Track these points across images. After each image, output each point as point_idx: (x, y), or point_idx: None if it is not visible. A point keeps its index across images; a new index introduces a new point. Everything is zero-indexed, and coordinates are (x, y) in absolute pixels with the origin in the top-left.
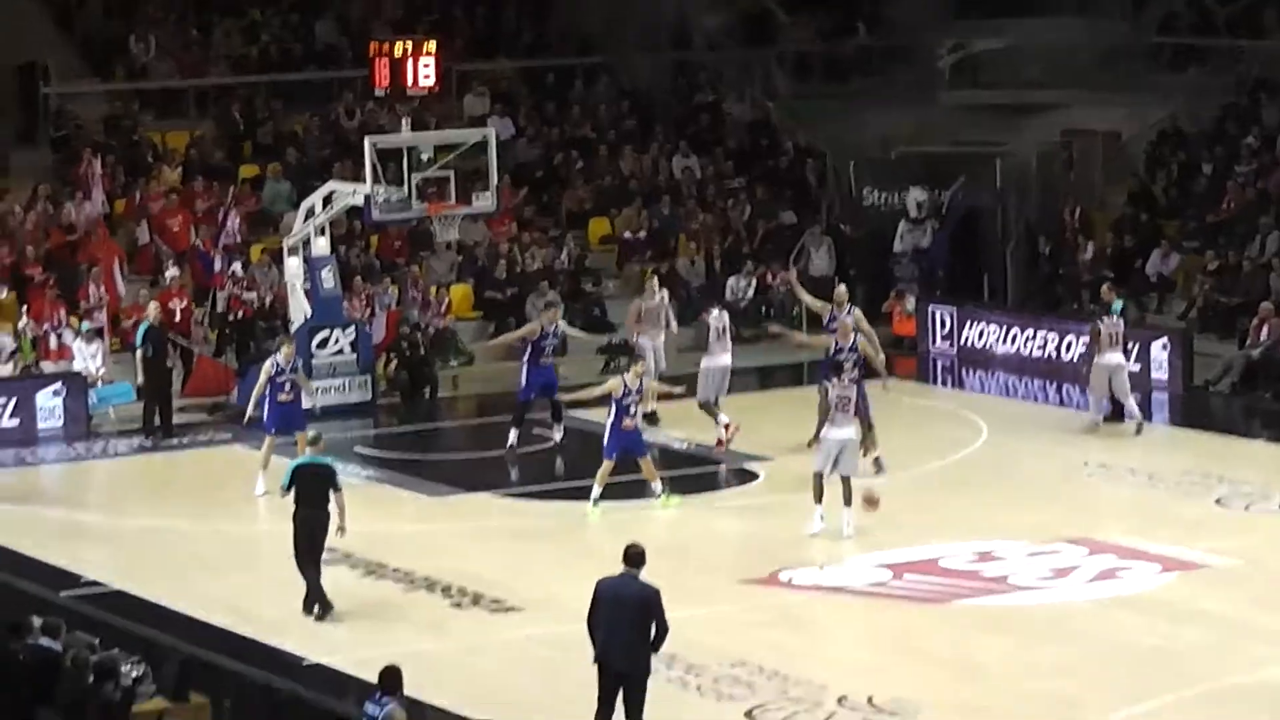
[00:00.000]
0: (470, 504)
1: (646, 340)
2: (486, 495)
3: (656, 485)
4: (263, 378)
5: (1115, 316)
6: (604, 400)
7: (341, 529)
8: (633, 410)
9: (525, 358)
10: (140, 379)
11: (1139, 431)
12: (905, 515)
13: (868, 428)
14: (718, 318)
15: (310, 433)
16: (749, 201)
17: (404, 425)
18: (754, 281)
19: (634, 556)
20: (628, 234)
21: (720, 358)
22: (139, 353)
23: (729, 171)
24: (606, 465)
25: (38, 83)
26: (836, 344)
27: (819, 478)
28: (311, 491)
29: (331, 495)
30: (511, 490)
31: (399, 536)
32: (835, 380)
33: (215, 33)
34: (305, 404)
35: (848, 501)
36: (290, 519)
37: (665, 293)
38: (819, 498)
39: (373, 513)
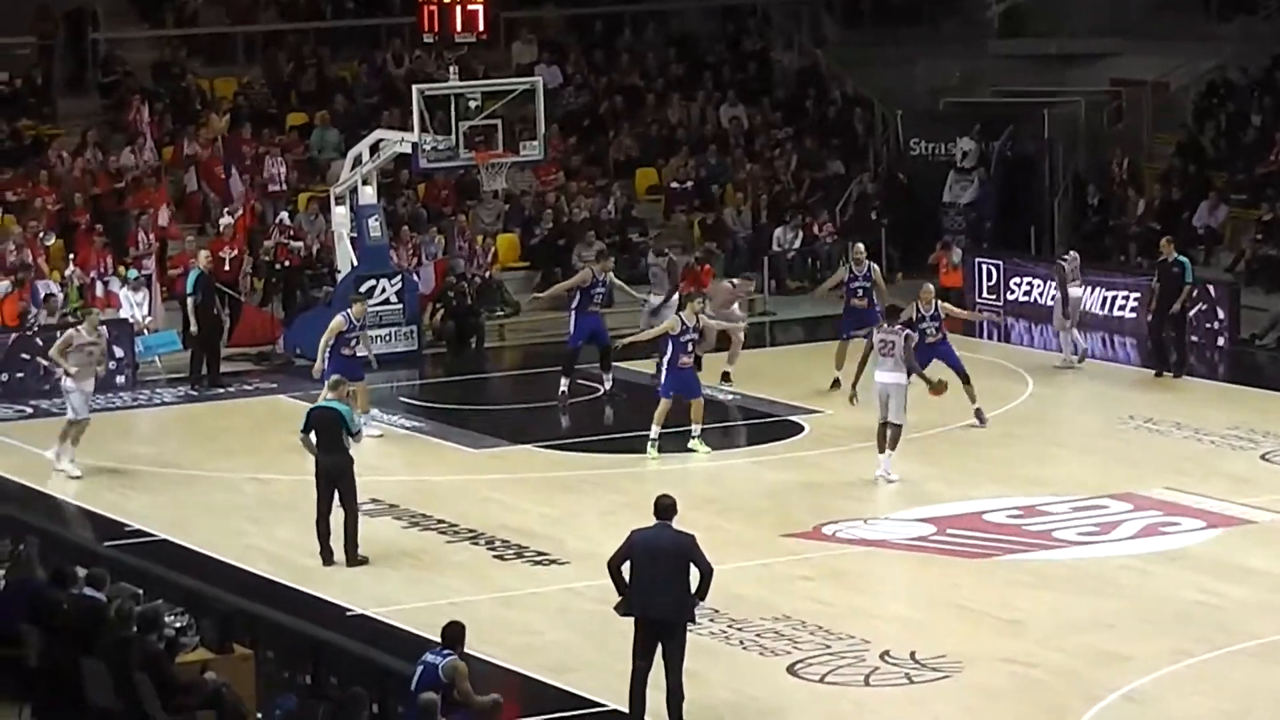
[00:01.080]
0: (515, 455)
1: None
2: (531, 447)
3: (696, 429)
4: (329, 334)
5: (1185, 275)
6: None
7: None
8: (690, 348)
9: (573, 306)
10: (193, 327)
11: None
12: (948, 469)
13: (965, 381)
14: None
15: (333, 377)
16: (796, 151)
17: (450, 376)
18: (800, 233)
19: (665, 508)
20: (674, 184)
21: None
22: (189, 300)
23: (776, 121)
24: (664, 404)
25: (86, 28)
26: (919, 311)
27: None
28: (326, 436)
29: (345, 438)
30: (557, 441)
31: (444, 487)
32: (882, 325)
33: None
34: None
35: (891, 445)
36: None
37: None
38: (882, 446)
39: (418, 463)
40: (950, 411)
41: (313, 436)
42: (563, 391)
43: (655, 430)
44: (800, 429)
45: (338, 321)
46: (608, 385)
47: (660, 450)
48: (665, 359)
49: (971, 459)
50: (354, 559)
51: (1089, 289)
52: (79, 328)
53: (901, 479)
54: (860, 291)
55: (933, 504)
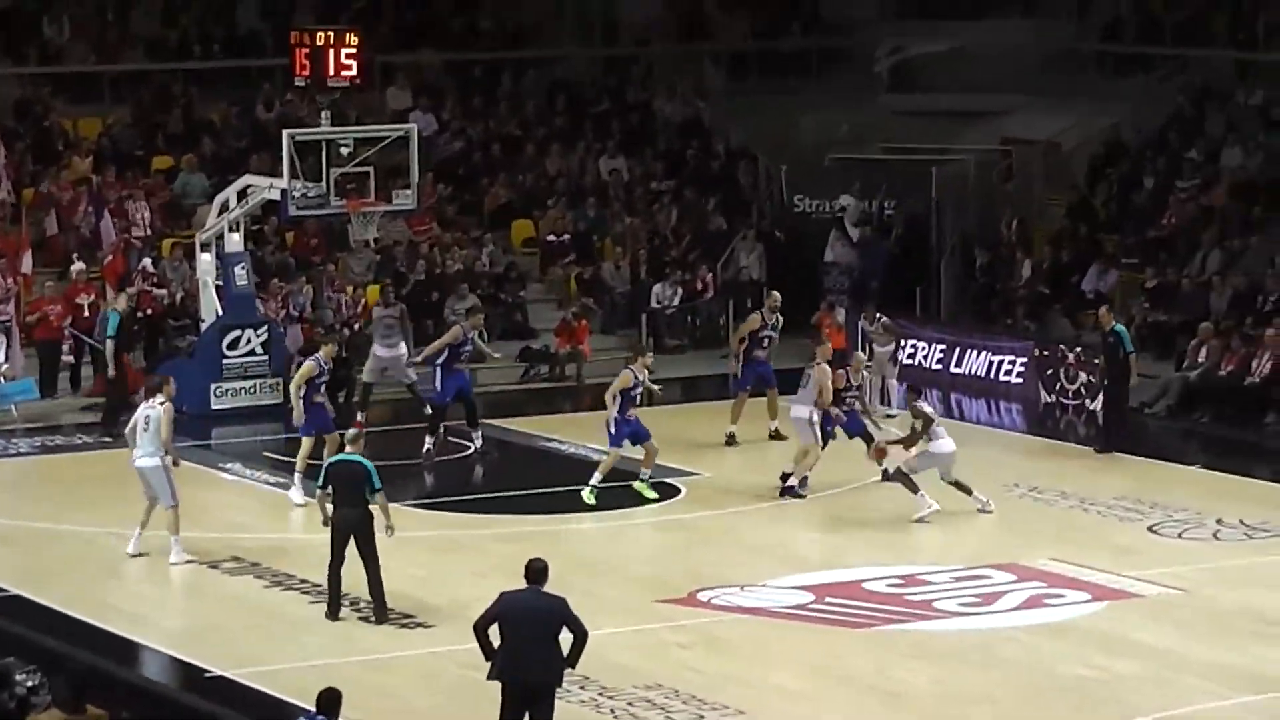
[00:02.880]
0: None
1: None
2: (401, 505)
3: (646, 472)
4: (300, 378)
5: (1123, 344)
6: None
7: (389, 528)
8: (638, 400)
9: (439, 362)
10: (111, 370)
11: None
12: (829, 535)
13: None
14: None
15: (350, 431)
16: (677, 205)
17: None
18: (680, 289)
19: (537, 571)
20: (551, 236)
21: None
22: (109, 344)
23: (658, 173)
24: (614, 453)
25: None
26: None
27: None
28: (346, 490)
29: (369, 494)
30: (427, 500)
31: (308, 546)
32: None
33: (132, 15)
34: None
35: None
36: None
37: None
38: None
39: (281, 521)
40: (828, 478)
41: (329, 491)
42: (428, 449)
43: (598, 476)
44: (677, 491)
45: (308, 366)
46: (478, 443)
47: (597, 499)
48: (613, 414)
49: (851, 525)
50: (383, 616)
51: (975, 352)
52: None
53: (780, 544)
54: (766, 342)
55: (811, 571)
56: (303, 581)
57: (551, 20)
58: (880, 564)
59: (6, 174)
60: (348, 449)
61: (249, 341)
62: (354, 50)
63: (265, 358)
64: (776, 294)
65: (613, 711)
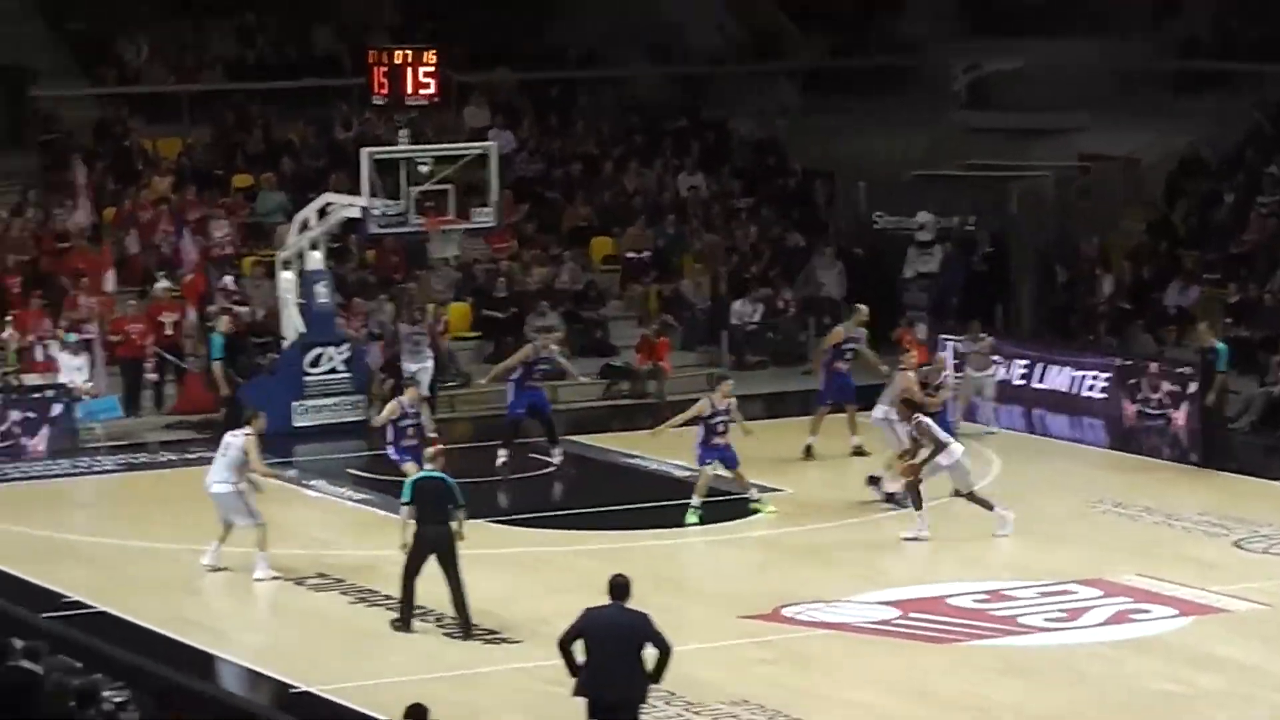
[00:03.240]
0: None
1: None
2: (483, 521)
3: (752, 491)
4: (385, 416)
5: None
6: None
7: (460, 535)
8: (720, 429)
9: (514, 378)
10: (223, 390)
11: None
12: (913, 551)
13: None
14: None
15: (429, 449)
16: (755, 222)
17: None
18: (762, 305)
19: (618, 587)
20: (631, 253)
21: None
22: (217, 365)
23: (735, 191)
24: (705, 472)
25: (25, 84)
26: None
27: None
28: (430, 506)
29: (453, 511)
30: (508, 516)
31: (391, 563)
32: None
33: (210, 36)
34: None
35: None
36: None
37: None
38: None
39: (365, 538)
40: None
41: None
42: (502, 463)
43: (696, 499)
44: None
45: (391, 408)
46: (557, 460)
47: (702, 520)
48: (698, 440)
49: (936, 541)
50: (469, 631)
51: (1057, 368)
52: None
53: (864, 560)
54: (849, 355)
55: (896, 587)
56: (387, 598)
57: (624, 40)
58: (965, 579)
59: (87, 194)
60: (427, 466)
61: (330, 359)
62: (432, 69)
63: (347, 375)
64: (863, 307)
65: None
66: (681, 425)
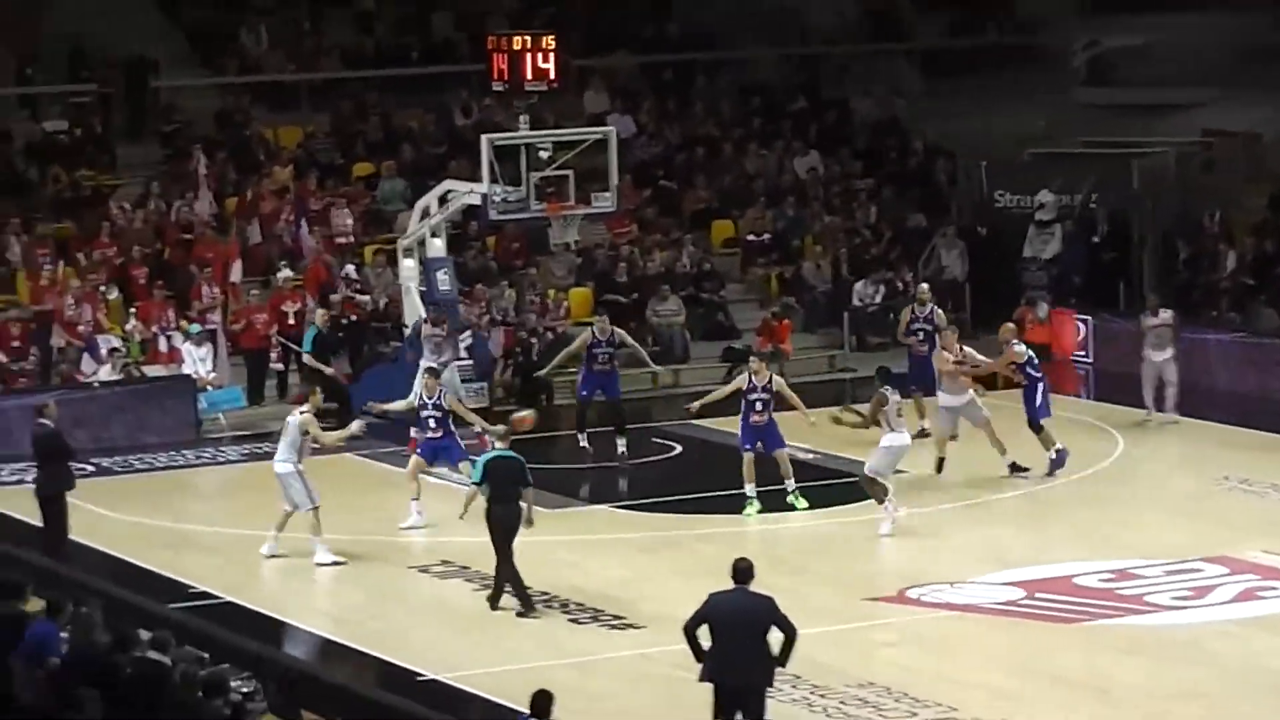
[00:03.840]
0: (589, 516)
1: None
2: (606, 507)
3: (790, 483)
4: (403, 405)
5: None
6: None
7: (529, 520)
8: (760, 407)
9: (583, 365)
10: (329, 370)
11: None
12: (1038, 531)
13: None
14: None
15: (500, 426)
16: (876, 203)
17: (520, 434)
18: (883, 287)
19: (742, 571)
20: (751, 236)
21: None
22: (308, 358)
23: (856, 172)
24: (746, 458)
25: (146, 76)
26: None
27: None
28: (502, 484)
29: (521, 489)
30: (630, 501)
31: (515, 548)
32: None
33: (328, 24)
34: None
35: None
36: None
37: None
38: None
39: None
40: (1035, 472)
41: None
42: (621, 451)
43: (750, 488)
44: (884, 489)
45: (410, 398)
46: (620, 450)
47: (761, 510)
48: (740, 416)
49: (1061, 521)
50: (495, 605)
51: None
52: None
53: (988, 540)
54: (922, 335)
55: (1022, 567)
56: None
57: (742, 22)
58: (1091, 559)
59: (209, 184)
60: (498, 445)
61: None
62: (550, 54)
63: (469, 362)
64: (925, 286)
65: (825, 710)
66: (718, 401)
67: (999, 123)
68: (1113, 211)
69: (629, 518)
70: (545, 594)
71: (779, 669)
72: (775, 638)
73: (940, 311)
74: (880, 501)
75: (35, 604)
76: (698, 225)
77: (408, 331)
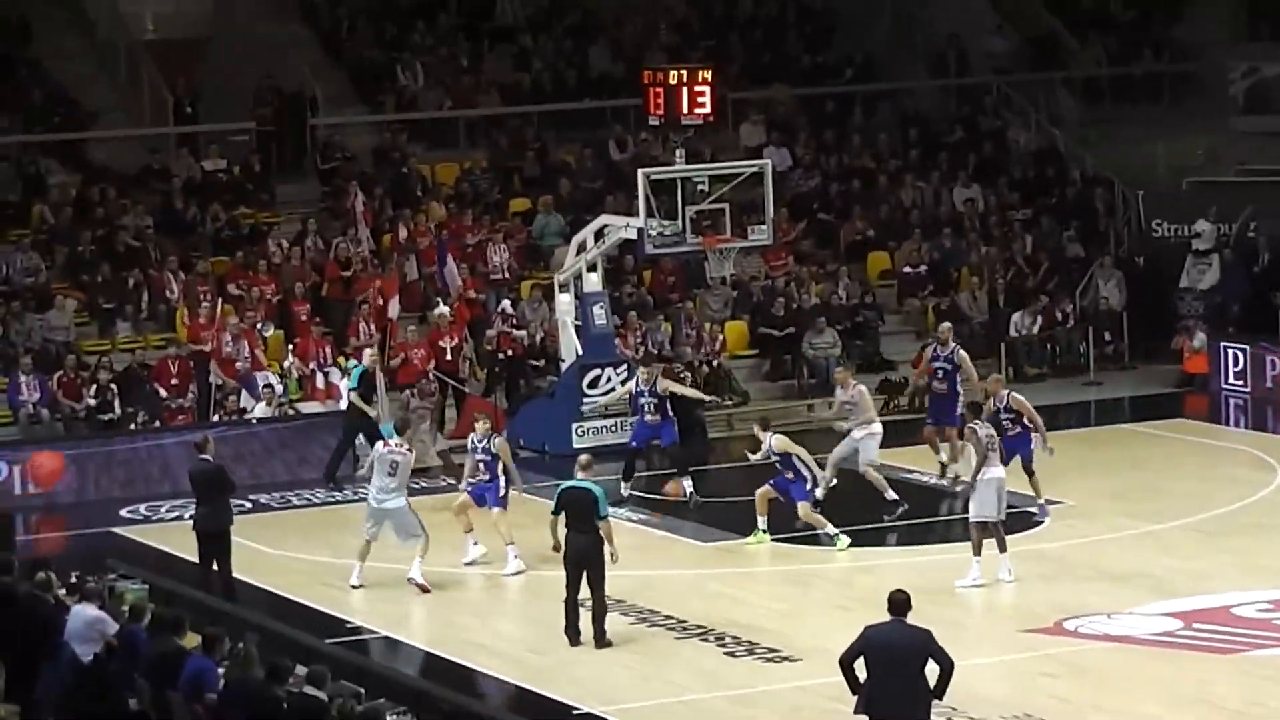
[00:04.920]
0: (744, 549)
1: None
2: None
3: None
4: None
5: None
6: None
7: (613, 555)
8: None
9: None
10: (372, 413)
11: None
12: (1195, 561)
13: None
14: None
15: (583, 457)
16: (1033, 233)
17: (676, 467)
18: (1039, 318)
19: (899, 603)
20: (907, 268)
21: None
22: (352, 394)
23: (1013, 202)
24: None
25: (305, 112)
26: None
27: (984, 528)
28: (575, 515)
29: (597, 520)
30: (787, 535)
31: (671, 582)
32: (979, 422)
33: (485, 61)
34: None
35: (1003, 547)
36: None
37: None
38: (979, 549)
39: (644, 557)
40: (1193, 502)
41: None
42: (690, 492)
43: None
44: (1040, 520)
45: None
46: (688, 491)
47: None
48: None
49: (1219, 550)
50: (602, 641)
51: None
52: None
53: (1145, 570)
54: (941, 374)
55: (1179, 598)
56: (668, 618)
57: (901, 52)
58: (1249, 588)
59: (366, 220)
60: (579, 475)
61: (609, 380)
62: (707, 88)
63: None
64: (946, 325)
65: None
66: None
67: (1157, 151)
68: (1272, 239)
69: (786, 550)
70: (701, 627)
71: (935, 702)
72: (932, 670)
73: (963, 351)
74: (976, 553)
75: (192, 639)
76: (854, 257)
77: (564, 366)
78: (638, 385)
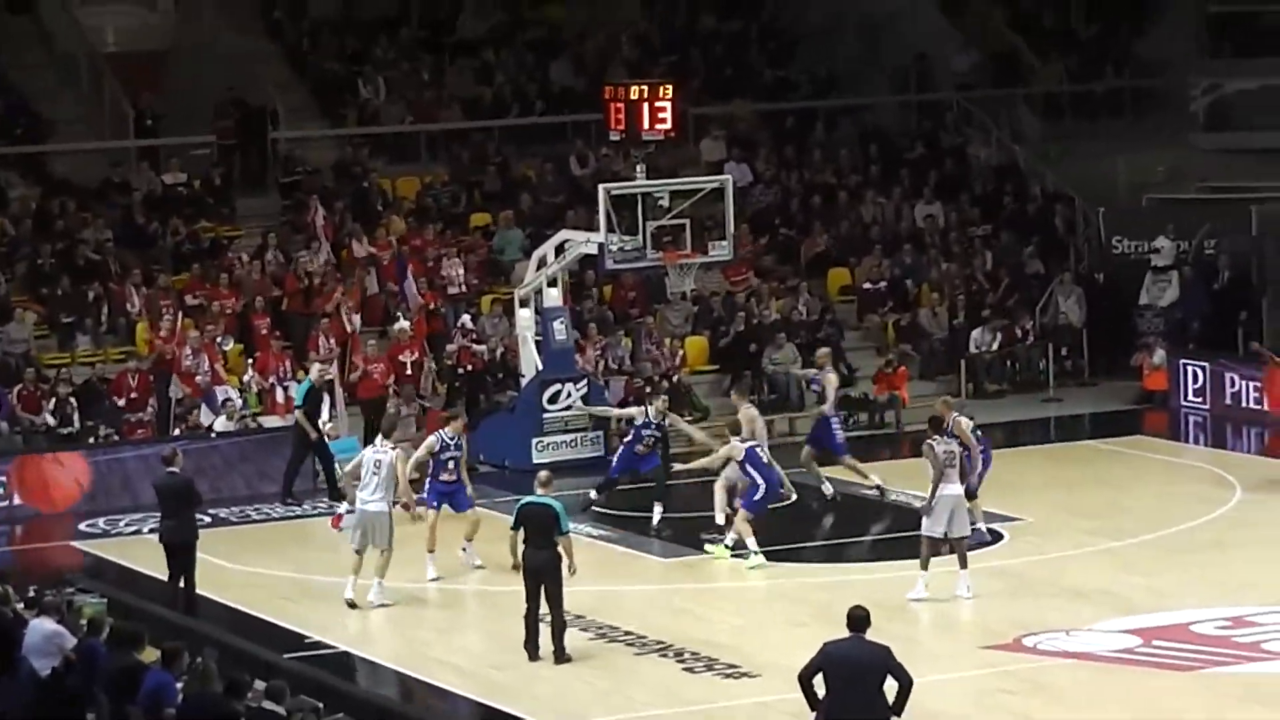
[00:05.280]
0: (705, 565)
1: None
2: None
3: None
4: (423, 452)
5: None
6: None
7: (571, 569)
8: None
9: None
10: (313, 434)
11: None
12: (1155, 578)
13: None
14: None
15: (542, 473)
16: (994, 249)
17: (637, 483)
18: (999, 334)
19: (858, 620)
20: (867, 284)
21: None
22: (299, 413)
23: (974, 218)
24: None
25: (267, 126)
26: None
27: (933, 543)
28: (535, 531)
29: (557, 536)
30: (743, 550)
31: (630, 597)
32: (938, 437)
33: (447, 74)
34: (468, 490)
35: (964, 563)
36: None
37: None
38: (927, 564)
39: (604, 573)
40: (1153, 519)
41: (521, 533)
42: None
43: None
44: (999, 536)
45: (430, 441)
46: (655, 519)
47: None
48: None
49: (1177, 568)
50: (561, 657)
51: None
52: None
53: (1104, 587)
54: (818, 397)
55: (1138, 614)
56: (628, 633)
57: (864, 69)
58: (1208, 605)
59: (326, 235)
60: (539, 491)
61: (569, 395)
62: (668, 103)
63: (584, 410)
64: (824, 350)
65: None
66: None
67: (1118, 168)
68: (1232, 256)
69: (744, 566)
70: (661, 643)
71: (894, 718)
72: (891, 686)
73: (832, 376)
74: (923, 567)
75: (151, 654)
76: (814, 273)
77: (524, 381)
78: (647, 417)
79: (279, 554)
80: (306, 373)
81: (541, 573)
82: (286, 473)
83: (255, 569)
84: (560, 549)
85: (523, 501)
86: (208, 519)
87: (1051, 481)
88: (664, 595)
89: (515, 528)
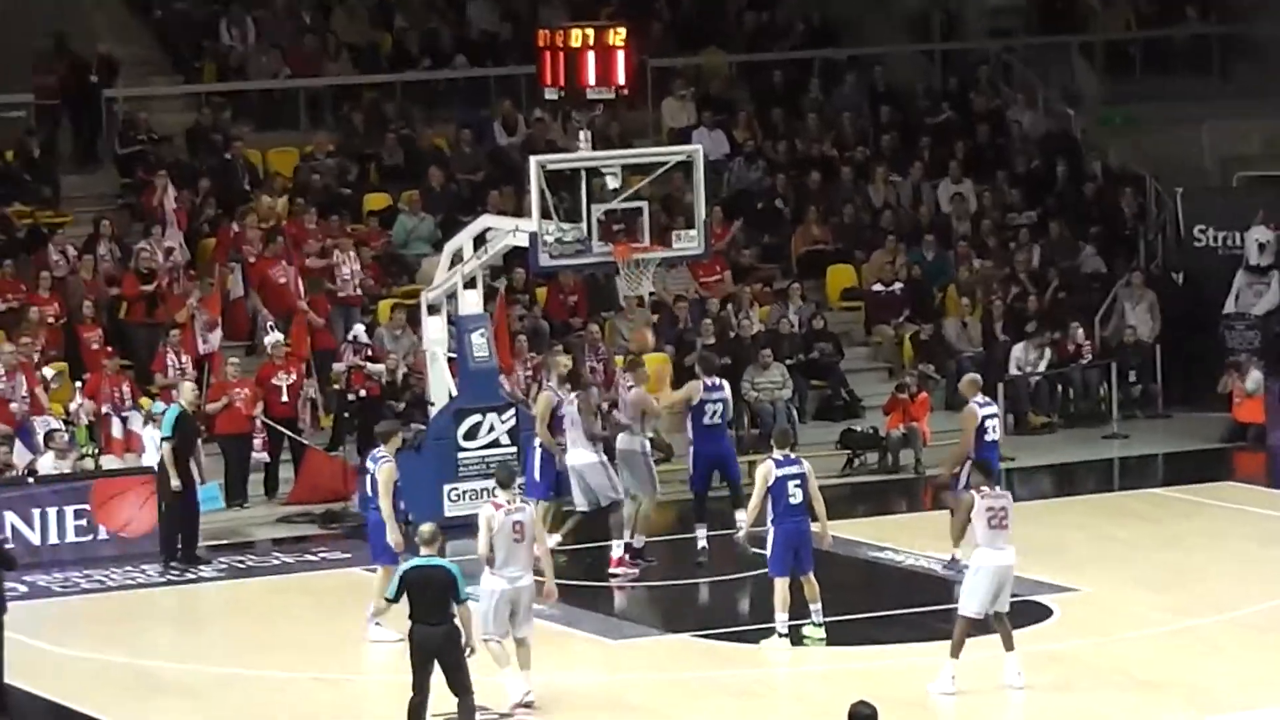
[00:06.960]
0: (667, 648)
1: None
2: (688, 636)
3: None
4: (386, 488)
5: None
6: None
7: (469, 647)
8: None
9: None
10: (174, 481)
11: None
12: (1243, 667)
13: None
14: None
15: (425, 527)
16: (1041, 242)
17: (579, 542)
18: (1047, 351)
19: (865, 719)
20: (879, 286)
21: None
22: (166, 446)
23: (1015, 202)
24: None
25: (101, 82)
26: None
27: (969, 622)
28: (425, 602)
29: (453, 606)
30: (723, 630)
31: (573, 692)
32: (986, 489)
33: (334, 16)
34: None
35: (1010, 645)
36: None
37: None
38: (959, 650)
39: (538, 658)
40: (1240, 591)
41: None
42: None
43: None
44: (1048, 612)
45: (389, 470)
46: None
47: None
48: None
49: (1272, 652)
50: None
51: None
52: None
53: (1182, 678)
54: (714, 413)
55: (1221, 714)
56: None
57: (872, 10)
58: None
59: (178, 221)
60: (423, 551)
61: (491, 429)
62: (620, 53)
63: (512, 449)
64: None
65: None
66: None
67: (1201, 139)
68: None
69: (716, 649)
70: None
71: None
72: None
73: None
74: (954, 653)
75: None
76: (809, 273)
77: (433, 411)
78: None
79: (117, 635)
80: (168, 399)
81: (436, 651)
82: (162, 526)
83: (89, 654)
84: (458, 621)
85: (405, 566)
86: (23, 588)
87: (1114, 542)
88: (613, 689)
89: (394, 598)
